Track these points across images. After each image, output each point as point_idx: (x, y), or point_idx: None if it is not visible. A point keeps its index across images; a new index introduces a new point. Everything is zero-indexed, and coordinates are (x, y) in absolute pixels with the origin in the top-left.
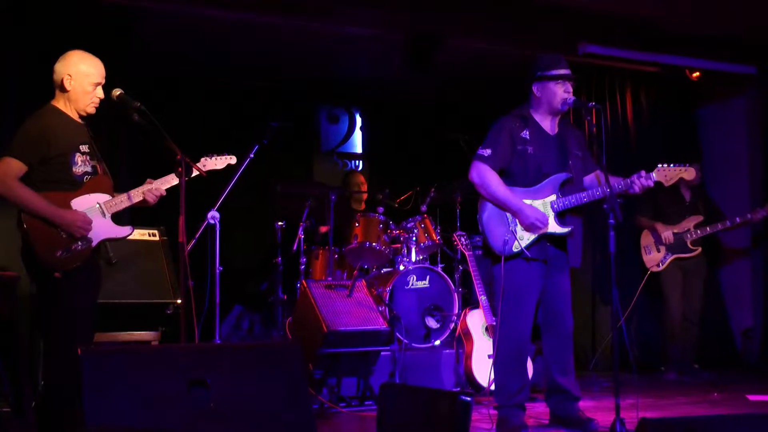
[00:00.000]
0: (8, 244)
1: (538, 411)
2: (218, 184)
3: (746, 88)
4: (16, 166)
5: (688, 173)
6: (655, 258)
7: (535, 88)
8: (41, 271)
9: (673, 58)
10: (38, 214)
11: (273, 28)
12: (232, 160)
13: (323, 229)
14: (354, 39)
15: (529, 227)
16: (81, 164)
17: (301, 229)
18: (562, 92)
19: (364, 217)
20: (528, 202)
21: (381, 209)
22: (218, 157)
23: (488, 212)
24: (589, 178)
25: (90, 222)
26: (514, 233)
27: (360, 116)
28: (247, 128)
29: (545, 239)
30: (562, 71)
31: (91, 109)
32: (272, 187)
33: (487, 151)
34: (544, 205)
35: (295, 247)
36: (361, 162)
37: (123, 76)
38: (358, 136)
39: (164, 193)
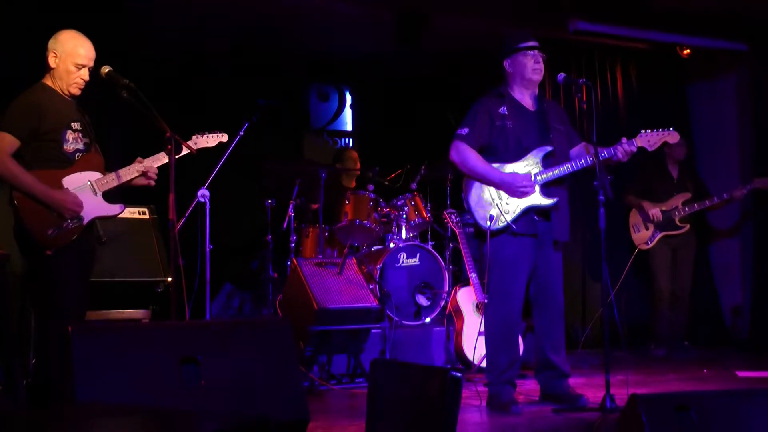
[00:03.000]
0: None
1: (528, 388)
2: (208, 162)
3: (737, 65)
4: (8, 141)
5: (671, 137)
6: (643, 236)
7: (506, 64)
8: (33, 248)
9: (663, 35)
10: (29, 192)
11: (263, 6)
12: (224, 137)
13: (313, 206)
14: (343, 16)
15: (515, 193)
16: (72, 141)
17: (291, 207)
18: (532, 63)
19: (354, 195)
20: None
21: (371, 187)
22: (209, 135)
23: (473, 190)
24: (575, 151)
25: (81, 203)
26: (499, 208)
27: (350, 94)
28: (237, 107)
29: (533, 212)
30: (531, 43)
31: (75, 90)
32: (262, 165)
33: (465, 130)
34: (527, 174)
35: (285, 225)
36: (351, 140)
37: (111, 55)
38: (348, 114)
39: (156, 171)
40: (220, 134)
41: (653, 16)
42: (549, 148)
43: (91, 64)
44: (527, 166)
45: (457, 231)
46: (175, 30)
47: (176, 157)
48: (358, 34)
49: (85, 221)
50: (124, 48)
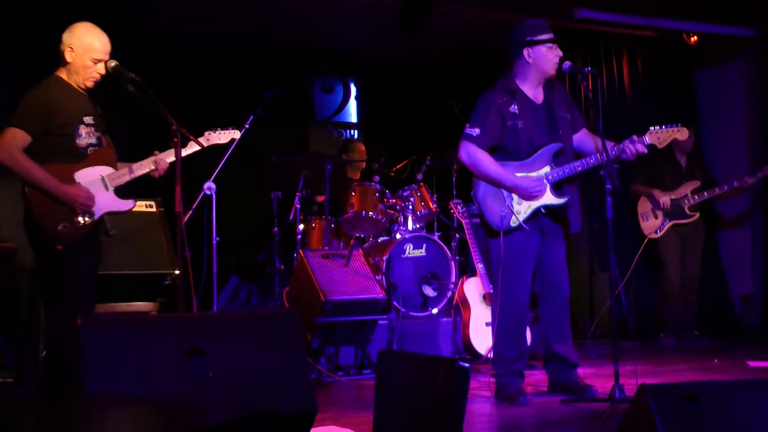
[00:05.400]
0: (7, 216)
1: (536, 378)
2: (214, 155)
3: (745, 51)
4: (20, 137)
5: (681, 133)
6: (653, 225)
7: (525, 53)
8: (44, 243)
9: (670, 22)
10: (41, 187)
11: None
12: (236, 134)
13: (319, 198)
14: (347, 7)
15: (529, 198)
16: (85, 136)
17: (297, 199)
18: (553, 57)
19: (360, 186)
20: (522, 175)
21: (377, 178)
22: (222, 132)
23: (483, 189)
24: (577, 137)
25: (93, 198)
26: (510, 208)
27: (354, 86)
28: (242, 100)
29: (542, 211)
30: (550, 35)
31: (90, 84)
32: (268, 158)
33: (476, 131)
34: (538, 177)
35: (291, 217)
36: (356, 131)
37: (116, 50)
38: (352, 106)
39: (167, 166)
40: (233, 131)
41: (659, 3)
42: (559, 146)
43: (107, 57)
44: (537, 165)
45: (463, 221)
46: (177, 23)
47: (187, 153)
48: (363, 25)
49: (97, 216)
50: (126, 42)
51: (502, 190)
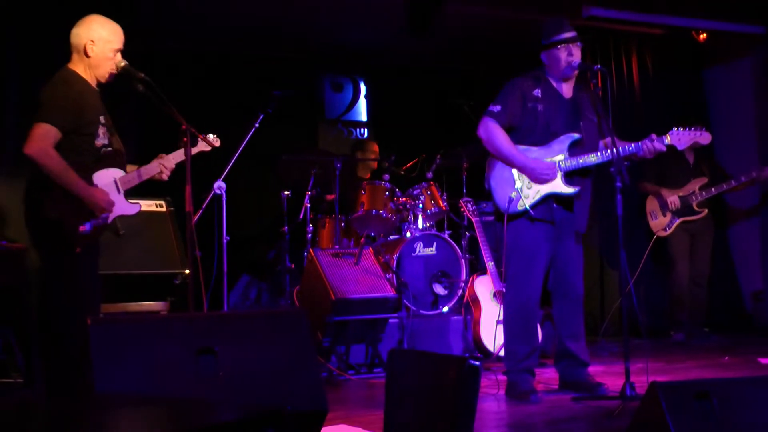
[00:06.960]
0: (15, 216)
1: (547, 376)
2: (224, 154)
3: (754, 48)
4: (53, 134)
5: (703, 138)
6: (661, 223)
7: (543, 57)
8: (61, 244)
9: (679, 20)
10: (69, 187)
11: None
12: (216, 142)
13: (329, 197)
14: (356, 5)
15: (537, 180)
16: (102, 136)
17: (307, 197)
18: (566, 56)
19: (370, 184)
20: (535, 157)
21: (387, 176)
22: (205, 138)
23: (495, 170)
24: (605, 142)
25: (113, 203)
26: (519, 191)
27: (364, 84)
28: (252, 99)
29: (552, 200)
30: (565, 35)
31: (108, 77)
32: (278, 157)
33: (497, 108)
34: (552, 162)
35: (301, 216)
36: (366, 130)
37: (125, 50)
38: (362, 104)
39: (174, 167)
40: (213, 137)
41: (668, 1)
42: (576, 136)
43: (123, 47)
44: (553, 152)
45: (473, 220)
46: (186, 22)
47: (194, 152)
48: (372, 24)
49: (110, 220)
50: (132, 42)
51: (513, 174)
